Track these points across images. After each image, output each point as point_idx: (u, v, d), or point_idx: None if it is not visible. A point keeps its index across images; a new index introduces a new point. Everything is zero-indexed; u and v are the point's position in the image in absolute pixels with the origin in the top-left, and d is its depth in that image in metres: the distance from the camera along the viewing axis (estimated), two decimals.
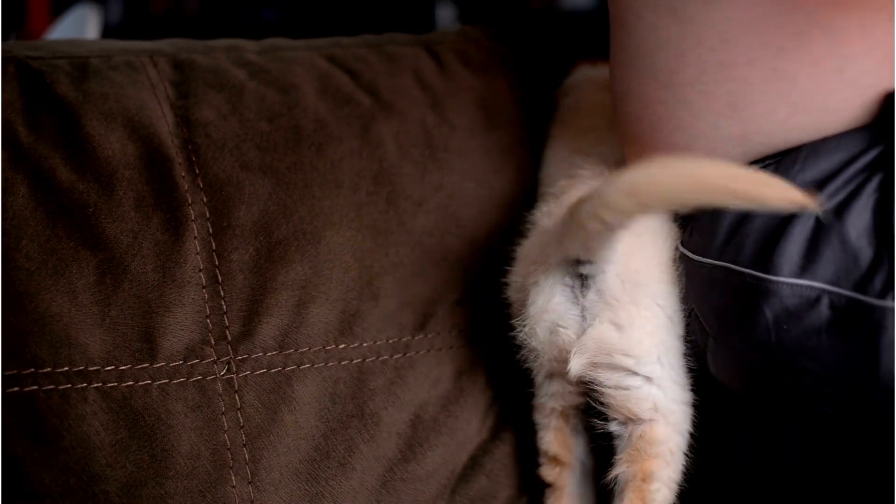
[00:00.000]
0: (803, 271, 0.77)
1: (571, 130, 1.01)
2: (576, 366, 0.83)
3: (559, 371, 0.86)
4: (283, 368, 0.90)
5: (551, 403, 0.90)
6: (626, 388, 0.83)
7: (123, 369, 0.85)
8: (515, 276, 0.89)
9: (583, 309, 0.83)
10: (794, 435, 0.96)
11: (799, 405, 0.83)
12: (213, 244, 0.90)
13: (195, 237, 0.89)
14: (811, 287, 0.77)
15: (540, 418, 0.91)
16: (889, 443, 0.77)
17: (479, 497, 0.96)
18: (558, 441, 0.90)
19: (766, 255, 0.79)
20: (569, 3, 2.69)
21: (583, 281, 0.83)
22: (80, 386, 0.83)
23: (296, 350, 0.90)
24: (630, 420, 0.84)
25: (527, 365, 0.89)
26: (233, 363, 0.88)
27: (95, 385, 0.84)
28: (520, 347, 0.88)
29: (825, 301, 0.76)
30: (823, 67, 0.81)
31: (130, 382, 0.85)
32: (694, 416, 0.85)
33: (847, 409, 0.79)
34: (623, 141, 0.92)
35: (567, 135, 1.01)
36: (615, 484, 0.85)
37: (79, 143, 0.89)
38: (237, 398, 0.88)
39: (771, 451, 0.98)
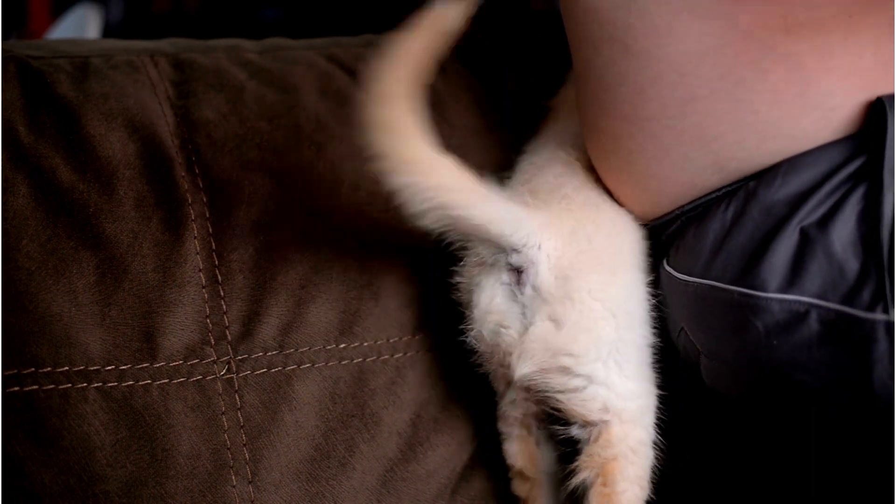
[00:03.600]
0: (790, 286, 0.77)
1: (550, 125, 1.00)
2: (521, 370, 0.81)
3: (508, 376, 0.84)
4: (284, 368, 0.90)
5: (512, 412, 0.89)
6: (573, 391, 0.81)
7: (124, 369, 0.85)
8: (462, 278, 0.87)
9: (523, 307, 0.82)
10: (794, 435, 0.96)
11: (796, 418, 0.82)
12: (213, 244, 0.90)
13: (195, 237, 0.89)
14: (799, 302, 0.76)
15: (503, 427, 0.90)
16: (889, 444, 0.76)
17: (479, 496, 0.96)
18: (522, 454, 0.89)
19: (753, 271, 0.79)
20: None
21: (518, 277, 0.81)
22: (80, 386, 0.83)
23: (296, 350, 0.90)
24: (588, 423, 0.82)
25: (482, 371, 0.88)
26: (233, 363, 0.88)
27: (96, 385, 0.84)
28: (473, 352, 0.87)
29: (814, 315, 0.76)
30: (784, 94, 0.80)
31: (130, 382, 0.85)
32: (660, 406, 0.84)
33: (845, 423, 0.79)
34: (601, 173, 0.90)
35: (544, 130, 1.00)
36: (580, 491, 0.83)
37: (79, 142, 0.89)
38: (237, 398, 0.88)
39: (770, 450, 0.98)
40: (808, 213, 0.78)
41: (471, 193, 0.78)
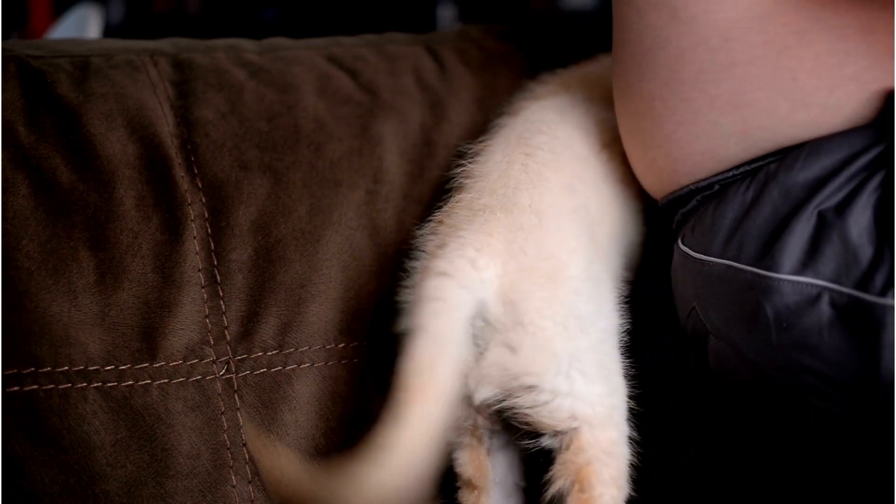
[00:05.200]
0: (804, 268, 0.77)
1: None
2: (482, 394, 0.81)
3: (465, 395, 0.83)
4: (283, 368, 0.90)
5: (463, 423, 0.87)
6: (542, 405, 0.80)
7: (123, 369, 0.85)
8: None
9: (474, 336, 0.81)
10: (792, 434, 0.96)
11: (803, 405, 0.83)
12: (212, 244, 0.90)
13: (194, 237, 0.89)
14: (812, 284, 0.77)
15: (453, 437, 0.89)
16: (889, 443, 0.76)
17: None
18: (472, 463, 0.88)
19: (768, 252, 0.79)
20: (569, 3, 2.69)
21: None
22: (80, 385, 0.83)
23: (296, 349, 0.90)
24: (557, 432, 0.81)
25: None
26: (232, 363, 0.88)
27: (95, 385, 0.84)
28: None
29: (826, 298, 0.76)
30: (824, 63, 0.81)
31: (130, 382, 0.85)
32: (632, 404, 0.83)
33: (853, 410, 0.79)
34: (625, 136, 0.91)
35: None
36: (557, 500, 0.82)
37: (79, 142, 0.89)
38: (237, 398, 0.88)
39: (769, 450, 0.98)
40: (827, 198, 0.79)
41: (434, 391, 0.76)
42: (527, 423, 0.82)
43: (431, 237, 0.85)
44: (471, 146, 0.93)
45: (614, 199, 0.93)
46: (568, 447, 0.81)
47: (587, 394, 0.81)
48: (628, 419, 0.84)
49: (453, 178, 0.90)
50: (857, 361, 0.75)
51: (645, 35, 0.86)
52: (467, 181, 0.89)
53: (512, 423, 0.83)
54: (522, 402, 0.80)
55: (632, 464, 0.83)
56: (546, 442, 0.82)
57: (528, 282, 0.81)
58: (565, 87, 1.00)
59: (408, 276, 0.84)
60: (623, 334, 0.86)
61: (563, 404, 0.80)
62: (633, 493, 0.83)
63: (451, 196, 0.88)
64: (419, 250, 0.85)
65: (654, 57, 0.86)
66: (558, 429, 0.81)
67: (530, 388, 0.80)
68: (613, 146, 0.94)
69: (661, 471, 0.86)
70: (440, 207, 0.88)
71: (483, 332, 0.80)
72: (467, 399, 0.83)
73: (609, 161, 0.93)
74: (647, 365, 1.01)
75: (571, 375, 0.80)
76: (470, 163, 0.90)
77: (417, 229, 0.87)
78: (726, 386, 0.88)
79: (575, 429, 0.80)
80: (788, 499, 0.96)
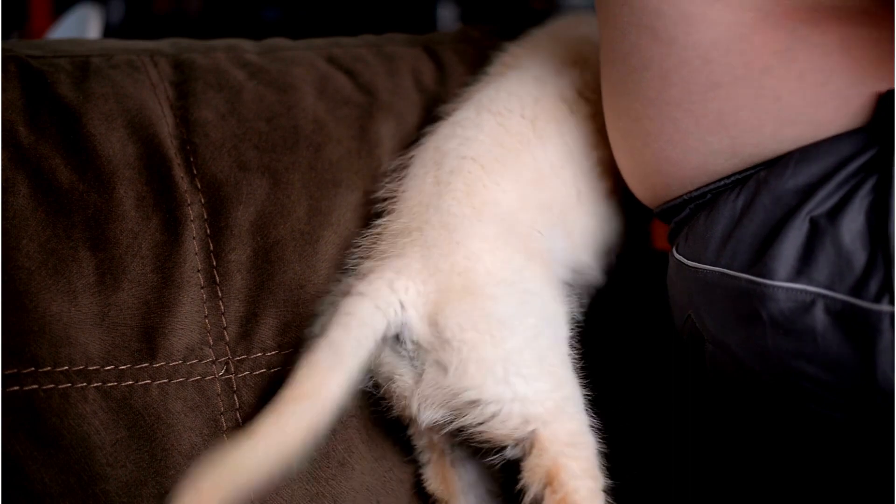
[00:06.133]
0: (798, 275, 0.77)
1: None
2: (428, 416, 0.81)
3: (411, 417, 0.84)
4: (283, 368, 0.90)
5: (419, 441, 0.89)
6: (491, 417, 0.80)
7: (123, 369, 0.85)
8: None
9: (410, 359, 0.81)
10: (791, 439, 0.96)
11: (801, 410, 0.82)
12: (212, 245, 0.90)
13: (194, 237, 0.90)
14: (806, 291, 0.77)
15: (417, 456, 0.90)
16: (889, 444, 0.76)
17: None
18: (437, 476, 0.89)
19: (761, 259, 0.79)
20: (569, 3, 2.69)
21: (396, 337, 0.81)
22: (79, 385, 0.83)
23: (295, 350, 0.90)
24: (517, 440, 0.80)
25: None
26: (231, 363, 0.88)
27: (95, 384, 0.84)
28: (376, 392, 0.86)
29: (820, 305, 0.76)
30: (808, 82, 0.81)
31: (130, 382, 0.85)
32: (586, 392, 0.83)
33: (850, 416, 0.79)
34: (616, 151, 0.92)
35: None
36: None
37: (79, 142, 0.89)
38: (236, 398, 0.88)
39: (768, 455, 0.98)
40: (819, 204, 0.78)
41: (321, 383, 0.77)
42: (485, 441, 0.81)
43: (358, 261, 0.86)
44: (398, 161, 0.94)
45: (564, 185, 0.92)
46: (530, 451, 0.80)
47: (532, 393, 0.80)
48: (586, 408, 0.83)
49: (380, 199, 0.92)
50: (853, 367, 0.75)
51: (630, 55, 0.86)
52: (390, 204, 0.90)
53: (471, 444, 0.83)
54: (471, 419, 0.80)
55: (605, 454, 0.82)
56: (509, 453, 0.81)
57: (448, 299, 0.81)
58: (496, 75, 1.00)
59: (330, 295, 0.85)
60: (573, 323, 0.85)
61: (513, 410, 0.79)
62: (612, 482, 0.82)
63: (377, 219, 0.90)
64: (346, 273, 0.86)
65: (639, 77, 0.86)
66: (515, 436, 0.80)
67: (474, 402, 0.80)
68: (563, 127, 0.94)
69: (659, 473, 0.86)
70: (365, 234, 0.89)
71: (418, 354, 0.81)
72: (416, 421, 0.83)
73: (543, 133, 0.93)
74: (647, 370, 1.01)
75: (510, 380, 0.80)
76: (390, 182, 0.91)
77: (346, 254, 0.89)
78: (724, 391, 0.88)
79: (532, 431, 0.80)
80: (788, 501, 0.97)
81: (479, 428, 0.80)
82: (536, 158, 0.90)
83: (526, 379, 0.80)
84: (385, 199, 0.91)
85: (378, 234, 0.87)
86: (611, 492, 0.81)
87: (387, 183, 0.92)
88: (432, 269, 0.82)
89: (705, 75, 0.82)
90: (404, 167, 0.92)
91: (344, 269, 0.88)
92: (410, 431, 0.89)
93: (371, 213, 0.93)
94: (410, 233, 0.84)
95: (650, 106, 0.85)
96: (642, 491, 0.85)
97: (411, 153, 0.94)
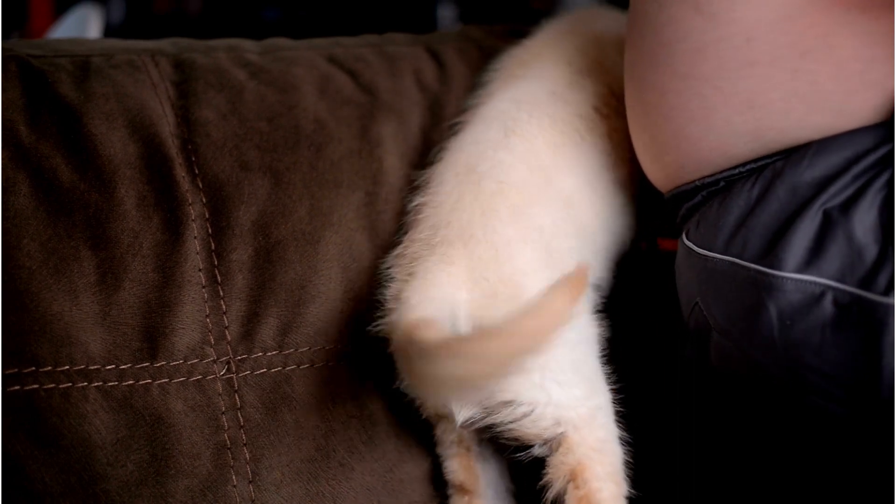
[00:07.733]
0: (808, 266, 0.77)
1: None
2: (463, 415, 0.82)
3: (446, 415, 0.85)
4: (283, 368, 0.90)
5: (448, 437, 0.90)
6: (523, 417, 0.81)
7: (124, 368, 0.85)
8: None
9: None
10: (793, 432, 0.96)
11: (804, 403, 0.82)
12: (213, 244, 0.90)
13: (195, 237, 0.90)
14: (815, 283, 0.77)
15: (441, 450, 0.91)
16: (889, 442, 0.76)
17: None
18: (462, 468, 0.89)
19: (772, 250, 0.79)
20: (569, 3, 2.69)
21: None
22: (80, 385, 0.83)
23: (296, 350, 0.90)
24: (545, 440, 0.82)
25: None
26: (232, 363, 0.88)
27: (96, 384, 0.84)
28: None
29: (829, 297, 0.76)
30: (846, 69, 0.81)
31: (131, 381, 0.85)
32: (616, 405, 0.84)
33: (854, 409, 0.79)
34: (633, 126, 0.91)
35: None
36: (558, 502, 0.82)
37: (80, 142, 0.89)
38: (237, 398, 0.88)
39: (770, 448, 0.98)
40: (833, 196, 0.78)
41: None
42: (514, 439, 0.83)
43: (396, 269, 0.87)
44: (422, 174, 0.94)
45: (596, 194, 0.93)
46: (557, 450, 0.82)
47: (567, 398, 0.81)
48: (617, 421, 0.84)
49: (408, 212, 0.92)
50: (858, 360, 0.75)
51: (665, 27, 0.85)
52: (420, 217, 0.90)
53: (500, 440, 0.84)
54: (504, 417, 0.81)
55: (630, 464, 0.83)
56: (536, 451, 0.83)
57: (493, 304, 0.82)
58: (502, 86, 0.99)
59: (383, 300, 0.86)
60: (603, 343, 0.86)
61: (546, 412, 0.81)
62: (634, 492, 0.83)
63: (406, 231, 0.91)
64: (388, 279, 0.87)
65: (672, 50, 0.84)
66: (545, 437, 0.82)
67: (508, 402, 0.81)
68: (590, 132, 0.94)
69: (661, 470, 0.86)
70: (398, 244, 0.90)
71: None
72: (450, 419, 0.84)
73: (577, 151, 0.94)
74: (648, 362, 1.01)
75: (547, 385, 0.81)
76: (422, 196, 0.91)
77: (381, 263, 0.89)
78: (728, 383, 0.88)
79: (561, 433, 0.81)
80: (789, 498, 0.97)
81: (510, 426, 0.82)
82: (565, 184, 0.91)
83: (563, 385, 0.82)
84: (412, 214, 0.92)
85: (413, 246, 0.88)
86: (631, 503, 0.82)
87: (418, 196, 0.92)
88: (479, 277, 0.83)
89: (744, 53, 0.82)
90: (431, 181, 0.93)
91: (380, 275, 0.89)
92: (440, 430, 0.90)
93: (399, 224, 0.94)
94: (453, 244, 0.85)
95: (679, 80, 0.85)
96: (646, 488, 0.85)
97: (438, 166, 0.94)
